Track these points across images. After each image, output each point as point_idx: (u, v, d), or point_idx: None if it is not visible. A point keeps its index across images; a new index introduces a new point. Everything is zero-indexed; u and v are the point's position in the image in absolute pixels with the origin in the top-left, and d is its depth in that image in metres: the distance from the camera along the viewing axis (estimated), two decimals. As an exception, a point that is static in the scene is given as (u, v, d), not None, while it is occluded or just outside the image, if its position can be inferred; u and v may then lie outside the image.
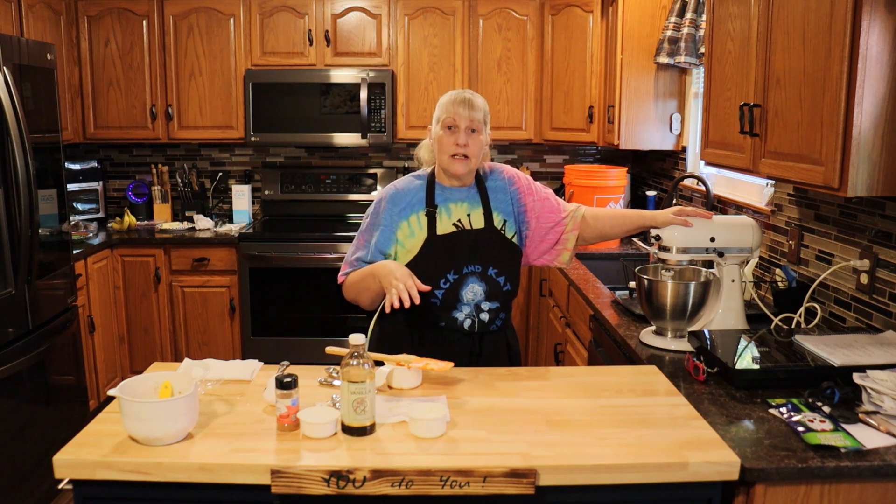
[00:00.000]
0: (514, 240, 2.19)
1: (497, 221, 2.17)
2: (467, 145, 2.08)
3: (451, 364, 1.84)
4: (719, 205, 3.29)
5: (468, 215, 2.15)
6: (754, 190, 3.02)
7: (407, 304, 1.89)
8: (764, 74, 2.15)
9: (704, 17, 3.19)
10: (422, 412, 1.59)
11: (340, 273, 2.20)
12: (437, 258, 2.09)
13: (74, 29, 4.30)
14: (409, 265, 2.08)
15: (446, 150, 2.09)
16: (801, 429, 1.63)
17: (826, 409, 1.71)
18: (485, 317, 2.14)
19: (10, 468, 2.84)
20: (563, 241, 2.24)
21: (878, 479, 1.51)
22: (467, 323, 2.13)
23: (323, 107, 4.36)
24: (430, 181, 2.17)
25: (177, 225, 4.45)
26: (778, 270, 2.65)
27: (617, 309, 2.69)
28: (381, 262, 2.05)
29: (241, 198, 4.63)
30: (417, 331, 2.14)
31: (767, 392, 1.84)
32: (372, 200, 4.60)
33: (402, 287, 1.90)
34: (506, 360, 2.22)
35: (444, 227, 2.13)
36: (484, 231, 2.14)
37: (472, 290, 2.12)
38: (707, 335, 2.09)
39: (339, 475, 1.44)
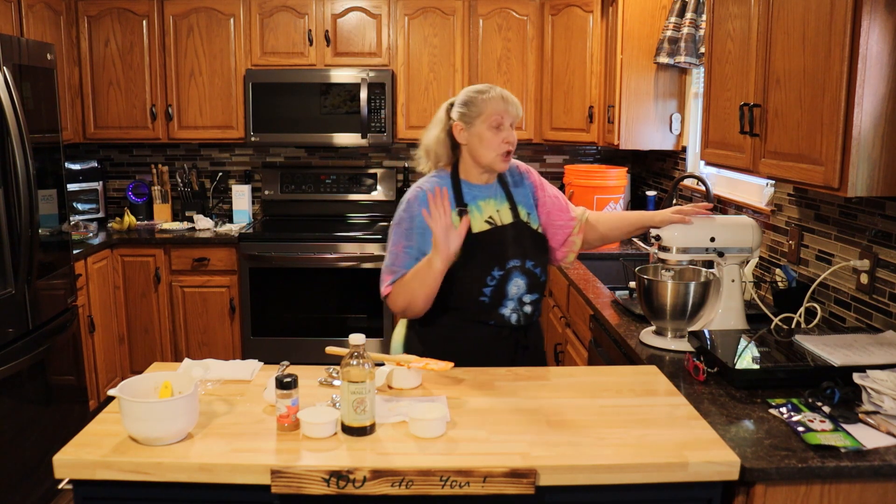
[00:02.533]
0: (540, 231, 2.22)
1: (523, 215, 2.19)
2: (515, 142, 2.11)
3: (451, 364, 1.84)
4: (719, 205, 3.29)
5: (497, 211, 2.16)
6: (754, 190, 3.02)
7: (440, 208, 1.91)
8: (764, 74, 2.15)
9: (704, 17, 3.19)
10: (422, 412, 1.59)
11: (385, 284, 2.09)
12: (481, 256, 2.09)
13: (74, 29, 4.30)
14: (454, 266, 2.04)
15: (495, 149, 2.09)
16: (801, 429, 1.63)
17: (826, 409, 1.71)
18: (528, 309, 2.15)
19: (10, 468, 2.84)
20: (569, 242, 2.27)
21: (878, 479, 1.51)
22: (514, 318, 2.13)
23: (323, 107, 4.36)
24: (455, 180, 2.16)
25: (177, 225, 4.45)
26: (778, 270, 2.65)
27: (617, 309, 2.69)
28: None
29: (241, 198, 4.63)
30: (465, 331, 2.12)
31: (767, 392, 1.84)
32: (372, 200, 4.67)
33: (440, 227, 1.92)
34: (543, 349, 2.27)
35: (479, 224, 2.12)
36: (515, 225, 2.15)
37: (516, 285, 2.12)
38: (707, 335, 2.09)
39: (339, 475, 1.44)
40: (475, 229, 2.11)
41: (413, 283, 2.02)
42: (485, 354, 2.09)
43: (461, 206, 2.11)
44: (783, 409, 1.73)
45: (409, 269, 2.05)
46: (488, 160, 2.11)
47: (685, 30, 3.44)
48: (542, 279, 2.17)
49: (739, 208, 3.08)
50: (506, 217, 2.16)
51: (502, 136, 2.08)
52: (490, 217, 2.14)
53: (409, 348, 2.19)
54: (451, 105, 2.16)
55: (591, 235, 2.30)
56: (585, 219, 2.28)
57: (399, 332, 2.26)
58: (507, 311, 2.12)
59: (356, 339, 1.59)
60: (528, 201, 2.22)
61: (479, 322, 2.11)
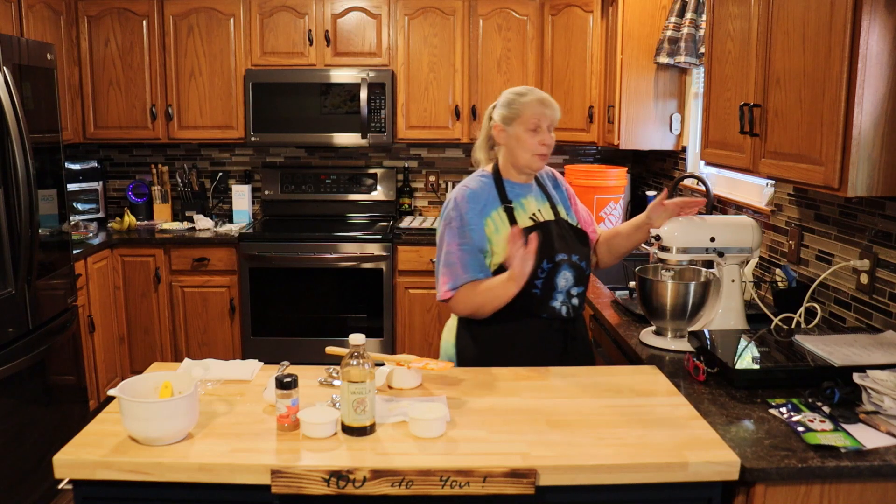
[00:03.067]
0: (579, 227, 2.27)
1: (562, 213, 2.25)
2: (552, 145, 2.16)
3: (451, 364, 1.85)
4: (719, 205, 3.29)
5: (539, 210, 2.21)
6: (754, 190, 3.02)
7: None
8: (764, 74, 2.15)
9: (704, 17, 3.19)
10: (422, 412, 1.59)
11: (444, 288, 2.11)
12: None
13: (74, 29, 4.30)
14: (504, 262, 2.09)
15: (531, 150, 2.14)
16: (801, 429, 1.63)
17: (826, 409, 1.72)
18: (575, 302, 2.20)
19: (10, 468, 2.84)
20: (591, 258, 2.32)
21: (878, 479, 1.51)
22: (563, 310, 2.17)
23: (323, 107, 4.36)
24: (497, 178, 2.20)
25: (177, 225, 4.45)
26: (778, 270, 2.65)
27: (617, 309, 2.69)
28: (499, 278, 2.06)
29: (241, 198, 4.63)
30: (518, 325, 2.15)
31: (767, 392, 1.84)
32: (372, 200, 4.67)
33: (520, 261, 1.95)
34: (589, 340, 2.31)
35: (523, 221, 2.17)
36: (557, 223, 2.20)
37: (565, 278, 2.16)
38: (707, 335, 2.09)
39: (339, 475, 1.44)
40: (521, 225, 2.15)
41: (486, 296, 2.07)
42: (539, 346, 2.14)
43: (507, 203, 2.16)
44: (783, 409, 1.73)
45: (469, 270, 2.08)
46: (524, 161, 2.16)
47: (685, 30, 3.44)
48: (587, 272, 2.23)
49: (739, 208, 3.08)
50: (547, 214, 2.22)
51: (539, 139, 2.14)
52: (533, 214, 2.19)
53: (460, 345, 2.21)
54: (494, 107, 2.22)
55: (600, 250, 2.37)
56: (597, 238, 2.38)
57: (450, 329, 2.27)
58: (557, 303, 2.16)
59: (356, 339, 1.59)
60: (565, 203, 2.30)
61: (531, 315, 2.15)
